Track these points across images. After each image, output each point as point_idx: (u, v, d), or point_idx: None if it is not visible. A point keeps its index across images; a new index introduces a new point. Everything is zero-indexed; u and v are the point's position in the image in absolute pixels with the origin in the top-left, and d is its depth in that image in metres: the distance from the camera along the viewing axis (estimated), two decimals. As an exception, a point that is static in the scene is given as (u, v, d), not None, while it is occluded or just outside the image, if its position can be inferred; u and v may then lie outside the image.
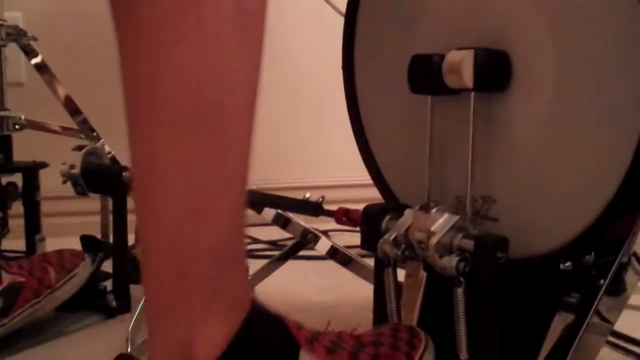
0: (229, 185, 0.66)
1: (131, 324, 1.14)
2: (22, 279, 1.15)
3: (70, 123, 1.56)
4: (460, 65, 0.85)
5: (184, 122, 0.62)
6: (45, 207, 1.48)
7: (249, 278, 1.28)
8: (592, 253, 0.82)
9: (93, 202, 1.47)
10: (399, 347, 0.81)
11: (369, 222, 0.93)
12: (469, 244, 0.80)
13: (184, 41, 0.61)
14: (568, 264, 0.82)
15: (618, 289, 0.83)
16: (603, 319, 0.83)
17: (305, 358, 0.72)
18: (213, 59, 0.62)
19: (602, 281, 0.81)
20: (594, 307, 0.81)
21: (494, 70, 0.86)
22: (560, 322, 0.84)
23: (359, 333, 0.83)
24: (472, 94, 0.86)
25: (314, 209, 1.13)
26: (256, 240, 1.82)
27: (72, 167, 1.31)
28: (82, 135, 1.54)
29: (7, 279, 1.13)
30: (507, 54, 0.86)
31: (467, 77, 0.85)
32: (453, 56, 0.86)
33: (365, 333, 0.84)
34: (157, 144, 0.63)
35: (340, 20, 1.11)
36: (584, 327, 0.81)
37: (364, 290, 1.09)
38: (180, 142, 0.62)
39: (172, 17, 0.60)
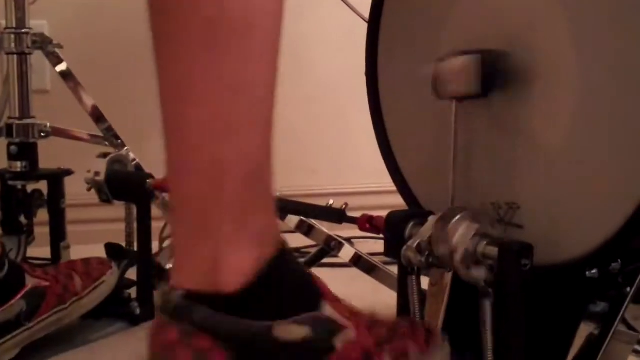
0: (257, 98, 0.65)
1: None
2: (46, 284, 1.15)
3: (95, 130, 1.57)
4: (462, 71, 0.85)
5: (210, 31, 0.62)
6: (70, 214, 1.48)
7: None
8: (619, 260, 0.81)
9: (118, 209, 1.48)
10: (414, 336, 0.80)
11: (392, 229, 0.92)
12: (493, 251, 0.80)
13: None
14: (594, 271, 0.81)
15: (645, 297, 0.82)
16: (630, 327, 0.82)
17: (326, 308, 0.71)
18: None
19: (628, 289, 0.81)
20: (620, 315, 0.80)
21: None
22: (586, 330, 0.83)
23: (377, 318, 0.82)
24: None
25: (338, 216, 1.13)
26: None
27: (97, 174, 1.32)
28: (107, 143, 1.55)
29: (30, 282, 1.14)
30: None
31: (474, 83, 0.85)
32: (457, 61, 0.86)
33: (383, 320, 0.83)
34: (184, 56, 0.63)
35: (364, 26, 1.11)
36: (610, 335, 0.80)
37: (388, 298, 1.09)
38: (206, 55, 0.62)
39: None
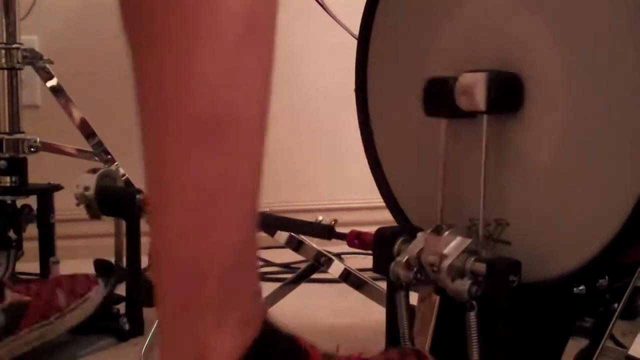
0: (241, 196, 0.66)
1: (144, 347, 1.14)
2: (26, 299, 1.15)
3: (85, 146, 1.56)
4: (473, 87, 0.85)
5: (197, 132, 0.62)
6: (59, 229, 1.48)
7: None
8: (606, 277, 0.81)
9: (107, 224, 1.47)
10: None
11: (381, 245, 0.92)
12: (481, 267, 0.80)
13: (196, 50, 0.61)
14: (581, 287, 0.82)
15: (632, 313, 0.83)
16: (617, 343, 0.82)
17: None
18: (226, 66, 0.62)
19: (616, 305, 0.81)
20: (608, 331, 0.80)
21: (507, 93, 0.86)
22: (574, 346, 0.83)
23: (366, 357, 0.83)
24: (485, 116, 0.86)
25: (327, 232, 1.13)
26: (269, 263, 1.81)
27: (86, 189, 1.32)
28: (97, 158, 1.55)
29: (9, 297, 1.13)
30: (519, 76, 0.86)
31: (480, 100, 0.85)
32: (465, 78, 0.86)
33: (373, 357, 0.83)
34: (170, 156, 0.63)
35: (353, 43, 1.11)
36: (598, 351, 0.80)
37: (377, 313, 1.09)
38: (193, 152, 0.62)
39: (185, 26, 0.61)
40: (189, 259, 0.65)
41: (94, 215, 1.32)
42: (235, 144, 0.64)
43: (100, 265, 1.32)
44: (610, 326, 0.80)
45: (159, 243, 0.66)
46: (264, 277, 1.66)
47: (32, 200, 1.47)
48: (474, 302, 0.80)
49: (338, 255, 1.37)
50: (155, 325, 1.07)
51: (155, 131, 0.64)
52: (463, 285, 0.80)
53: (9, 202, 1.44)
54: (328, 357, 0.76)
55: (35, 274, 1.48)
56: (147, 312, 1.32)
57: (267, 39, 0.65)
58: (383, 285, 1.01)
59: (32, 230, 1.46)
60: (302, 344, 0.73)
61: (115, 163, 1.53)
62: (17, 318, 1.12)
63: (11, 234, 1.44)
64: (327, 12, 1.61)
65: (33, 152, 1.46)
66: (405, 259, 0.87)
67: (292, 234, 1.32)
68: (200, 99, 0.62)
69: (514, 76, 0.86)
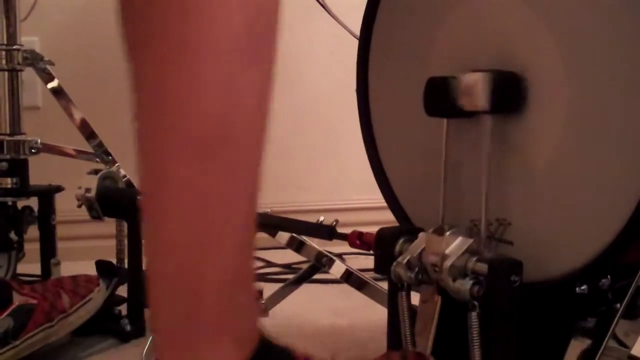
0: (238, 213, 0.65)
1: (146, 348, 1.14)
2: (33, 301, 1.15)
3: (86, 147, 1.56)
4: (475, 87, 0.85)
5: (195, 150, 0.62)
6: (60, 230, 1.48)
7: (262, 302, 1.28)
8: (608, 276, 0.81)
9: (108, 226, 1.47)
10: None
11: (382, 246, 0.92)
12: (483, 267, 0.80)
13: (197, 67, 0.60)
14: (584, 287, 0.81)
15: (635, 313, 0.82)
16: (620, 343, 0.82)
17: None
18: (228, 83, 0.61)
19: (618, 305, 0.81)
20: (610, 331, 0.80)
21: (509, 93, 0.86)
22: (576, 346, 0.83)
23: None
24: (488, 116, 0.86)
25: (328, 232, 1.13)
26: (270, 264, 1.81)
27: (87, 191, 1.32)
28: (98, 159, 1.54)
29: (18, 300, 1.13)
30: (521, 76, 0.86)
31: (483, 100, 0.85)
32: (468, 78, 0.86)
33: None
34: (165, 172, 0.63)
35: (354, 43, 1.11)
36: (600, 351, 0.80)
37: (378, 314, 1.09)
38: (190, 166, 0.62)
39: (186, 44, 0.60)
40: (183, 274, 0.64)
41: (95, 216, 1.32)
42: (234, 162, 0.63)
43: (102, 267, 1.32)
44: (612, 326, 0.80)
45: (153, 256, 0.66)
46: (266, 278, 1.66)
47: (33, 202, 1.47)
48: (475, 302, 0.80)
49: (339, 256, 1.37)
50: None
51: (152, 146, 0.63)
52: (464, 285, 0.80)
53: (10, 203, 1.44)
54: None
55: (37, 276, 1.48)
56: (149, 314, 1.32)
57: (269, 54, 0.64)
58: (384, 285, 1.01)
59: (33, 231, 1.46)
60: (298, 355, 0.72)
61: (116, 164, 1.53)
62: (25, 321, 1.12)
63: (12, 235, 1.44)
64: (328, 12, 1.61)
65: (34, 153, 1.46)
66: (407, 259, 0.86)
67: (293, 234, 1.32)
68: (199, 116, 0.61)
69: (516, 76, 0.86)
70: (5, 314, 1.10)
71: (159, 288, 0.66)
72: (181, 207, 0.63)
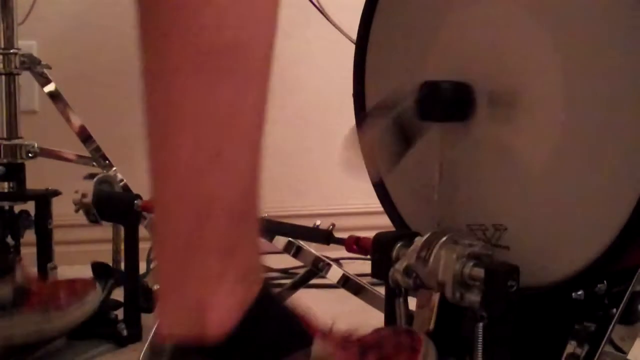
0: (246, 125, 0.64)
1: (142, 353, 1.13)
2: (31, 285, 1.16)
3: (83, 151, 1.56)
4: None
5: (201, 60, 0.61)
6: (57, 235, 1.48)
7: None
8: (604, 282, 0.81)
9: (105, 230, 1.47)
10: (401, 350, 0.80)
11: (379, 251, 0.92)
12: (480, 272, 0.80)
13: None
14: (580, 292, 0.82)
15: (631, 318, 0.83)
16: (616, 348, 0.82)
17: (317, 346, 0.71)
18: None
19: (614, 310, 0.81)
20: (606, 336, 0.80)
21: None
22: (572, 351, 0.83)
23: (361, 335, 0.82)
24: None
25: (325, 237, 1.13)
26: (267, 269, 1.81)
27: (84, 195, 1.32)
28: (95, 164, 1.54)
29: (19, 276, 1.15)
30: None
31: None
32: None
33: (366, 335, 0.82)
34: (174, 86, 0.62)
35: (351, 47, 1.11)
36: (596, 356, 0.80)
37: (376, 319, 1.08)
38: (198, 81, 0.61)
39: None
40: (193, 196, 0.64)
41: (92, 220, 1.32)
42: (244, 71, 0.63)
43: (98, 268, 1.32)
44: (609, 331, 0.80)
45: (160, 182, 0.65)
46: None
47: (30, 206, 1.46)
48: (484, 314, 0.79)
49: (336, 261, 1.37)
50: (153, 331, 1.07)
51: (161, 61, 0.63)
52: (474, 297, 0.79)
53: (6, 207, 1.44)
54: (324, 330, 0.75)
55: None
56: (145, 318, 1.32)
57: None
58: (381, 290, 1.01)
59: (30, 236, 1.46)
60: (299, 312, 0.73)
61: (113, 168, 1.53)
62: (23, 299, 1.13)
63: (9, 239, 1.44)
64: (325, 17, 1.61)
65: (31, 157, 1.46)
66: (404, 264, 0.86)
67: (290, 239, 1.32)
68: (209, 23, 0.61)
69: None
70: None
71: (166, 214, 0.65)
72: (192, 118, 0.62)
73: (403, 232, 1.00)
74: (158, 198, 0.66)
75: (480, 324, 0.80)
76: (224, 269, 0.65)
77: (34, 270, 1.44)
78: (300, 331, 0.71)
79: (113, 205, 1.32)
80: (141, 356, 1.13)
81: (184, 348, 0.65)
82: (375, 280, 0.98)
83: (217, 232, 0.64)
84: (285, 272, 1.79)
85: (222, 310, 0.65)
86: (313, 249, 1.31)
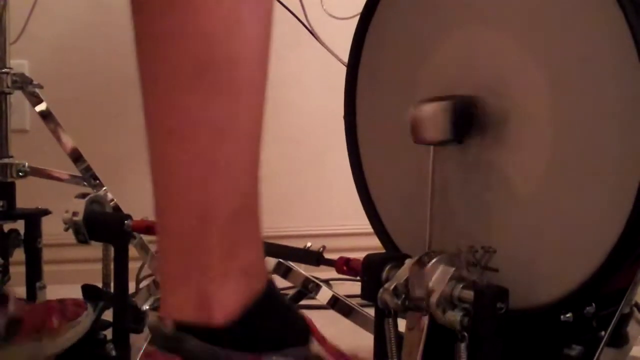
0: (243, 136, 0.67)
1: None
2: (23, 314, 1.15)
3: (74, 170, 1.56)
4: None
5: (198, 72, 0.63)
6: (46, 254, 1.47)
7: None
8: (593, 304, 0.82)
9: (95, 249, 1.47)
10: None
11: (369, 272, 0.92)
12: (469, 294, 0.80)
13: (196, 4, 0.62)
14: (569, 315, 0.82)
15: (620, 341, 0.83)
16: (605, 371, 0.82)
17: (314, 345, 0.73)
18: (227, 10, 0.63)
19: (603, 333, 0.81)
20: (595, 359, 0.80)
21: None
22: (561, 374, 0.83)
23: None
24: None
25: (315, 258, 1.13)
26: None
27: (74, 214, 1.31)
28: (85, 183, 1.54)
29: (12, 307, 1.14)
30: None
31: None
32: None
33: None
34: (172, 98, 0.64)
35: (342, 69, 1.12)
36: (585, 379, 0.81)
37: (365, 340, 1.08)
38: (196, 93, 0.63)
39: None
40: (194, 203, 0.66)
41: (82, 240, 1.32)
42: (235, 84, 0.65)
43: (88, 291, 1.32)
44: (597, 354, 0.81)
45: (162, 189, 0.67)
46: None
47: (20, 225, 1.46)
48: (465, 334, 0.79)
49: (326, 282, 1.37)
50: (141, 351, 1.06)
51: (157, 77, 0.65)
52: (455, 316, 0.80)
53: (-4, 226, 1.44)
54: (323, 337, 0.76)
55: (22, 299, 1.47)
56: (134, 338, 1.31)
57: None
58: (371, 311, 1.01)
59: (19, 254, 1.46)
60: (300, 314, 0.74)
61: (104, 188, 1.53)
62: (16, 329, 1.12)
63: (-2, 258, 1.44)
64: (316, 39, 1.62)
65: (21, 176, 1.46)
66: (394, 286, 0.86)
67: (280, 260, 1.32)
68: (197, 43, 0.63)
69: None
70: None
71: (169, 216, 0.67)
72: (189, 131, 0.64)
73: (393, 253, 1.00)
74: (160, 202, 0.68)
75: (463, 344, 0.80)
76: (226, 266, 0.67)
77: (22, 293, 1.45)
78: (301, 328, 0.73)
79: (103, 225, 1.32)
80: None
81: (184, 327, 0.66)
82: (364, 301, 0.97)
83: (218, 234, 0.66)
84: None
85: (224, 302, 0.67)
86: (303, 269, 1.31)
